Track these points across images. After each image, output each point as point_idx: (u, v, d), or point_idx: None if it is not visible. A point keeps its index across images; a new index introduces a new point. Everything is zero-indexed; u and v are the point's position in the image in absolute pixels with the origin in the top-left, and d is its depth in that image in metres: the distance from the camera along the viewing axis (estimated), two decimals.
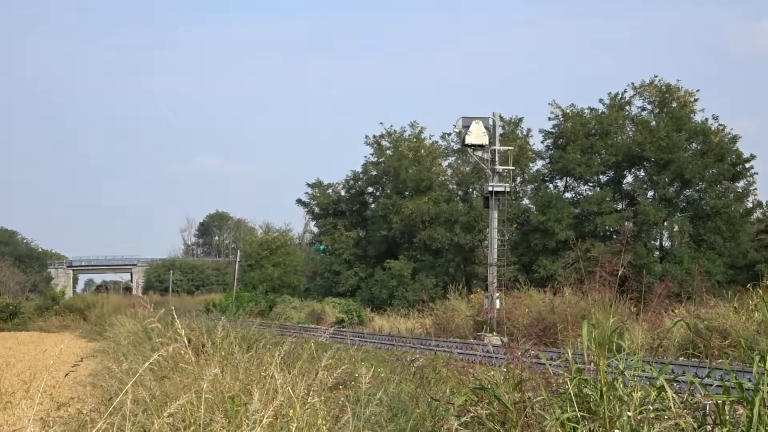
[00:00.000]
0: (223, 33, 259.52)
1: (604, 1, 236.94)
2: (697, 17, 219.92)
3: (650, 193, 63.17)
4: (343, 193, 79.86)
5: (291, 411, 9.26)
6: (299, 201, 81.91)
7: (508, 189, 42.63)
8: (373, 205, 76.99)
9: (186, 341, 9.56)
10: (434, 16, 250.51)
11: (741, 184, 62.91)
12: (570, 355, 9.48)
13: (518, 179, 65.82)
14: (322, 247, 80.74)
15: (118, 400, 8.22)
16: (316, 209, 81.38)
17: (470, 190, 69.99)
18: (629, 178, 66.12)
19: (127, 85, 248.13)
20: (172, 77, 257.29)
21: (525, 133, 69.76)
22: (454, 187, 71.88)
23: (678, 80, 64.64)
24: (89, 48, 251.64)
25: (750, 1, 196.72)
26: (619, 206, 64.90)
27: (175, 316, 11.28)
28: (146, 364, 7.75)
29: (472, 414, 9.16)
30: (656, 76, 64.73)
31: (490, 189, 41.72)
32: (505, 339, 21.58)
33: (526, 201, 67.34)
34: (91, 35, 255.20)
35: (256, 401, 8.10)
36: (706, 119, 63.28)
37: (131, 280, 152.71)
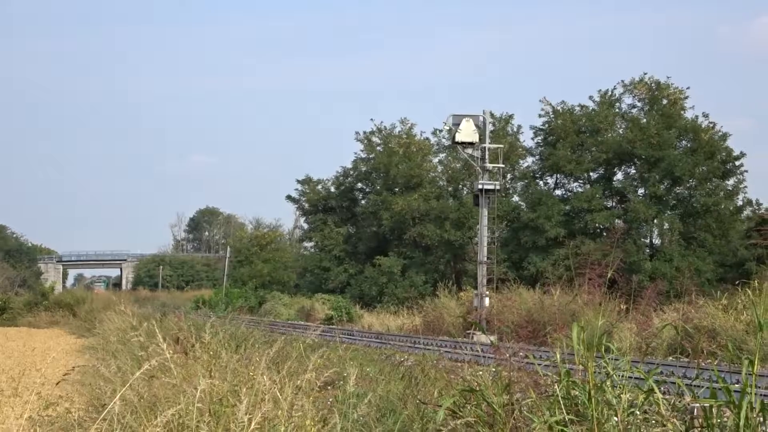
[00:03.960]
0: (216, 31, 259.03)
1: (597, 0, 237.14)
2: (690, 15, 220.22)
3: (640, 191, 63.12)
4: (332, 189, 79.56)
5: (279, 412, 9.23)
6: (289, 197, 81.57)
7: (498, 187, 42.48)
8: (363, 202, 76.81)
9: (173, 345, 9.52)
10: (425, 13, 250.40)
11: (731, 181, 62.89)
12: (559, 356, 9.46)
13: (508, 176, 65.78)
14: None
15: (109, 407, 8.17)
16: (306, 205, 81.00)
17: (460, 186, 69.93)
18: (619, 176, 66.17)
19: (118, 82, 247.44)
20: (163, 74, 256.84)
21: (515, 129, 69.86)
22: (445, 183, 71.73)
23: (668, 77, 64.77)
24: (79, 43, 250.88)
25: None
26: (610, 203, 64.90)
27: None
28: (137, 373, 7.72)
29: (459, 416, 9.14)
30: (646, 74, 64.89)
31: (480, 187, 41.60)
32: (494, 338, 21.57)
33: (516, 198, 67.39)
34: (83, 31, 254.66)
35: (243, 406, 8.08)
36: (696, 117, 63.47)
37: (121, 276, 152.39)
